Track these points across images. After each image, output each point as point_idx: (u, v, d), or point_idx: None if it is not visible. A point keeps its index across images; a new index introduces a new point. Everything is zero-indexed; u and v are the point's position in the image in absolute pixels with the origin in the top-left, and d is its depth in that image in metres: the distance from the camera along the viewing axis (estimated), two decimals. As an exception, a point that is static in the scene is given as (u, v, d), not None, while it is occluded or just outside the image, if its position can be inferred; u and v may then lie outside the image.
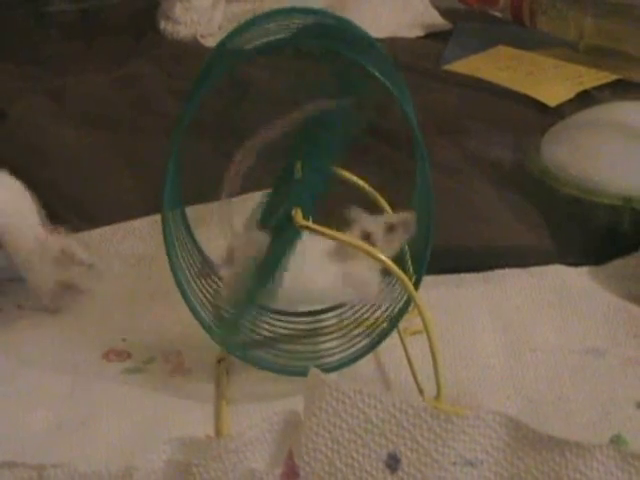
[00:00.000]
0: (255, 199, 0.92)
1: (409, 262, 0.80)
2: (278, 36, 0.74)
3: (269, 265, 0.75)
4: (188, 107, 0.72)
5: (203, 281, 0.81)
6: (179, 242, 0.78)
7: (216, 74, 0.73)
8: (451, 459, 0.62)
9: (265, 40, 0.73)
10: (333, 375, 0.77)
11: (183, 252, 0.79)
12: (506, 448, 0.63)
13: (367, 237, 0.77)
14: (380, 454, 0.62)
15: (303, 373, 0.77)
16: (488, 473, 0.63)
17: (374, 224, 0.77)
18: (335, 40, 0.73)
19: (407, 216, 0.78)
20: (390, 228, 0.77)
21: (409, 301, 0.76)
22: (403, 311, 0.77)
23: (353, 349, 0.79)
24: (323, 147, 0.74)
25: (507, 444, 0.63)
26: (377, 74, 0.70)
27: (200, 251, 0.83)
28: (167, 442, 0.65)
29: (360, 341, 0.79)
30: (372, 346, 0.78)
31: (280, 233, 0.75)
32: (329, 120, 0.74)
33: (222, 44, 0.78)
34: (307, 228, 0.74)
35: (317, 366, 0.77)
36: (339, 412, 0.62)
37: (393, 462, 0.62)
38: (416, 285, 0.76)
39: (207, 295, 0.80)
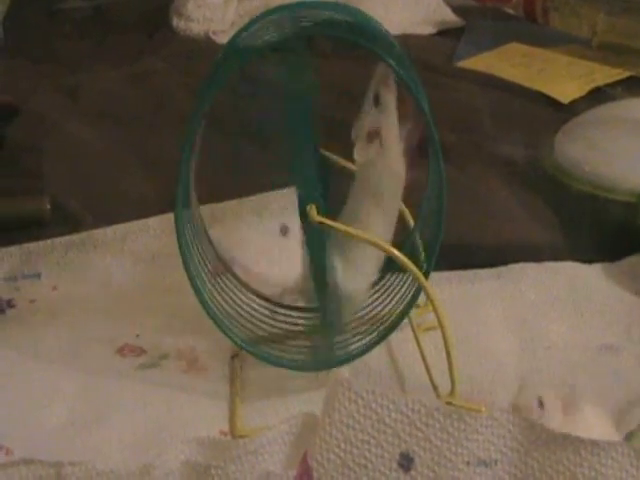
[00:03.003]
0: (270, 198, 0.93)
1: (422, 256, 0.80)
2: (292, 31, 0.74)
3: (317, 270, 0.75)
4: (200, 105, 0.72)
5: (216, 279, 0.81)
6: (192, 240, 0.78)
7: (227, 71, 0.73)
8: (464, 459, 0.62)
9: (278, 34, 0.73)
10: (346, 372, 0.77)
11: (196, 250, 0.79)
12: (520, 448, 0.63)
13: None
14: (393, 454, 0.62)
15: (315, 368, 0.77)
16: (502, 473, 0.62)
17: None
18: (351, 33, 0.73)
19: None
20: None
21: (418, 293, 0.76)
22: (412, 303, 0.77)
23: (364, 341, 0.79)
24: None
25: (521, 444, 0.63)
26: (395, 67, 0.70)
27: (213, 249, 0.83)
28: (185, 442, 0.65)
29: (371, 334, 0.79)
30: (382, 338, 0.78)
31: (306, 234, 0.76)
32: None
33: (233, 40, 0.77)
34: (322, 224, 0.74)
35: (328, 359, 0.78)
36: (352, 412, 0.62)
37: (406, 462, 0.62)
38: (425, 277, 0.76)
39: (221, 293, 0.80)
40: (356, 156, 0.76)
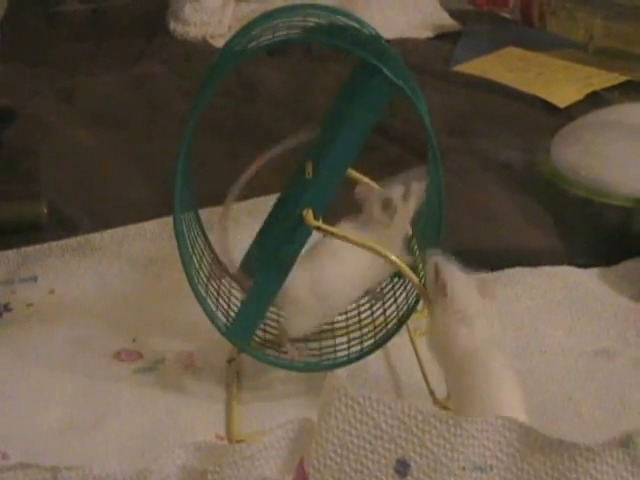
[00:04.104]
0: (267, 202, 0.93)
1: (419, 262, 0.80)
2: (287, 34, 0.74)
3: (281, 265, 0.75)
4: (195, 106, 0.72)
5: (215, 283, 0.81)
6: (192, 244, 0.78)
7: (223, 71, 0.73)
8: (460, 464, 0.62)
9: (273, 38, 0.73)
10: (343, 376, 0.77)
11: (196, 254, 0.79)
12: (515, 453, 0.63)
13: (388, 204, 0.77)
14: (389, 460, 0.62)
15: (311, 369, 0.78)
16: (497, 478, 0.62)
17: (391, 191, 0.78)
18: (347, 40, 0.73)
19: (416, 183, 0.78)
20: (405, 195, 0.78)
21: (417, 300, 0.76)
22: (411, 310, 0.77)
23: (361, 346, 0.79)
24: (342, 147, 0.74)
25: (516, 449, 0.63)
26: (391, 76, 0.70)
27: (213, 253, 0.83)
28: (182, 447, 0.65)
29: (368, 339, 0.80)
30: (379, 344, 0.78)
31: (289, 233, 0.76)
32: (349, 120, 0.74)
33: (229, 43, 0.78)
34: (319, 229, 0.74)
35: (325, 362, 0.78)
36: (348, 418, 0.62)
37: (402, 467, 0.62)
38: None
39: (221, 296, 0.80)
40: (366, 212, 0.78)
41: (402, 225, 0.79)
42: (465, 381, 0.69)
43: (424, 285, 0.74)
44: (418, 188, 0.78)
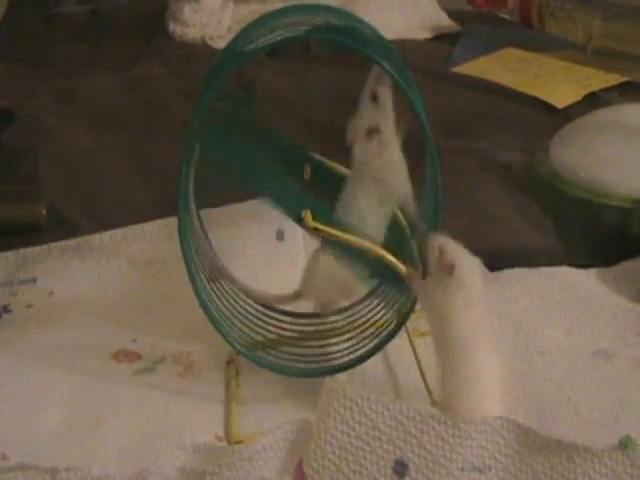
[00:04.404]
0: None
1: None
2: (287, 34, 0.74)
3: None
4: (199, 107, 0.72)
5: (215, 284, 0.81)
6: (192, 245, 0.79)
7: (225, 73, 0.74)
8: (459, 465, 0.62)
9: (273, 39, 0.73)
10: (342, 378, 0.78)
11: (196, 255, 0.79)
12: (514, 454, 0.63)
13: (371, 131, 0.75)
14: (388, 461, 0.62)
15: (311, 374, 0.78)
16: (496, 479, 0.63)
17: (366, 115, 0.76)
18: (345, 37, 0.73)
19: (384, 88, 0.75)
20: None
21: (415, 301, 0.77)
22: (410, 311, 0.77)
23: (361, 350, 0.79)
24: None
25: (515, 450, 0.63)
26: (390, 71, 0.70)
27: (213, 254, 0.83)
28: (180, 448, 0.65)
29: (368, 342, 0.80)
30: (379, 347, 0.78)
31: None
32: None
33: (230, 44, 0.78)
34: (317, 230, 0.74)
35: (325, 367, 0.78)
36: (347, 419, 0.62)
37: (401, 468, 0.62)
38: None
39: (220, 298, 0.80)
40: (356, 154, 0.77)
41: (393, 140, 0.76)
42: (458, 364, 0.69)
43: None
44: (387, 90, 0.76)
